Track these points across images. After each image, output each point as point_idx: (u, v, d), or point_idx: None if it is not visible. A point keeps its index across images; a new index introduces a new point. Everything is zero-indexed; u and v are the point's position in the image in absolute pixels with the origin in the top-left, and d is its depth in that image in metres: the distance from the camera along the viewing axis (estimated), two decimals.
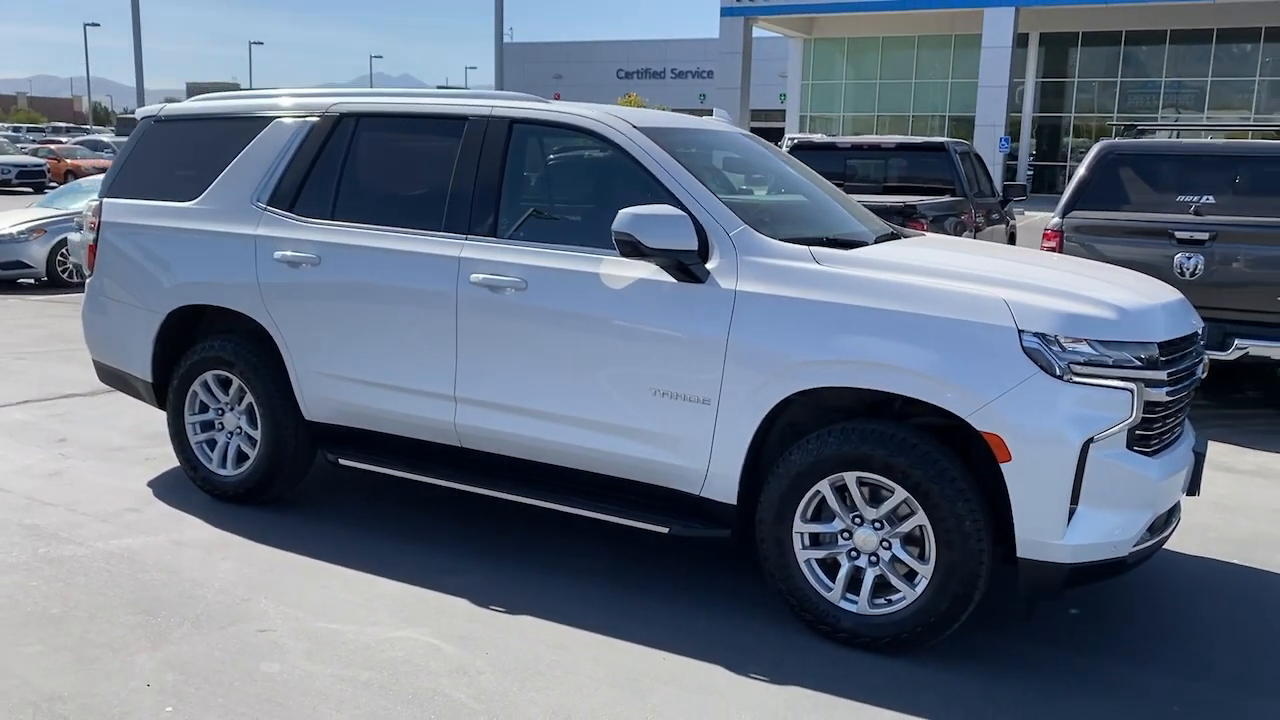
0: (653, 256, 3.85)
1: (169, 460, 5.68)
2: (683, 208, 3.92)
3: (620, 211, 3.84)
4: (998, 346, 3.44)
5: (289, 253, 4.71)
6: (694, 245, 3.83)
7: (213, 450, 5.12)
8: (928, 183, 9.89)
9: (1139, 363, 3.45)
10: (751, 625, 3.91)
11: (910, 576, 3.64)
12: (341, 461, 4.72)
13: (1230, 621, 4.06)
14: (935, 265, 3.81)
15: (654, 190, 4.07)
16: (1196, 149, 7.61)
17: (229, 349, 4.95)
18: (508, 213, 4.38)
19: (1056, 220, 7.34)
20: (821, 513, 3.77)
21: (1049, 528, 3.41)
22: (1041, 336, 3.41)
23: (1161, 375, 3.49)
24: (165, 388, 5.23)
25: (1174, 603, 4.26)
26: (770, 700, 3.37)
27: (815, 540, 3.79)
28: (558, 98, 6.20)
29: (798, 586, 3.78)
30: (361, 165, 4.80)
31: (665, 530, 4.02)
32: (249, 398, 4.93)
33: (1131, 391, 3.39)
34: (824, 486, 3.71)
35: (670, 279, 3.91)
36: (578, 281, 4.10)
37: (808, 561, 3.78)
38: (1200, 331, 4.00)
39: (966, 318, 3.49)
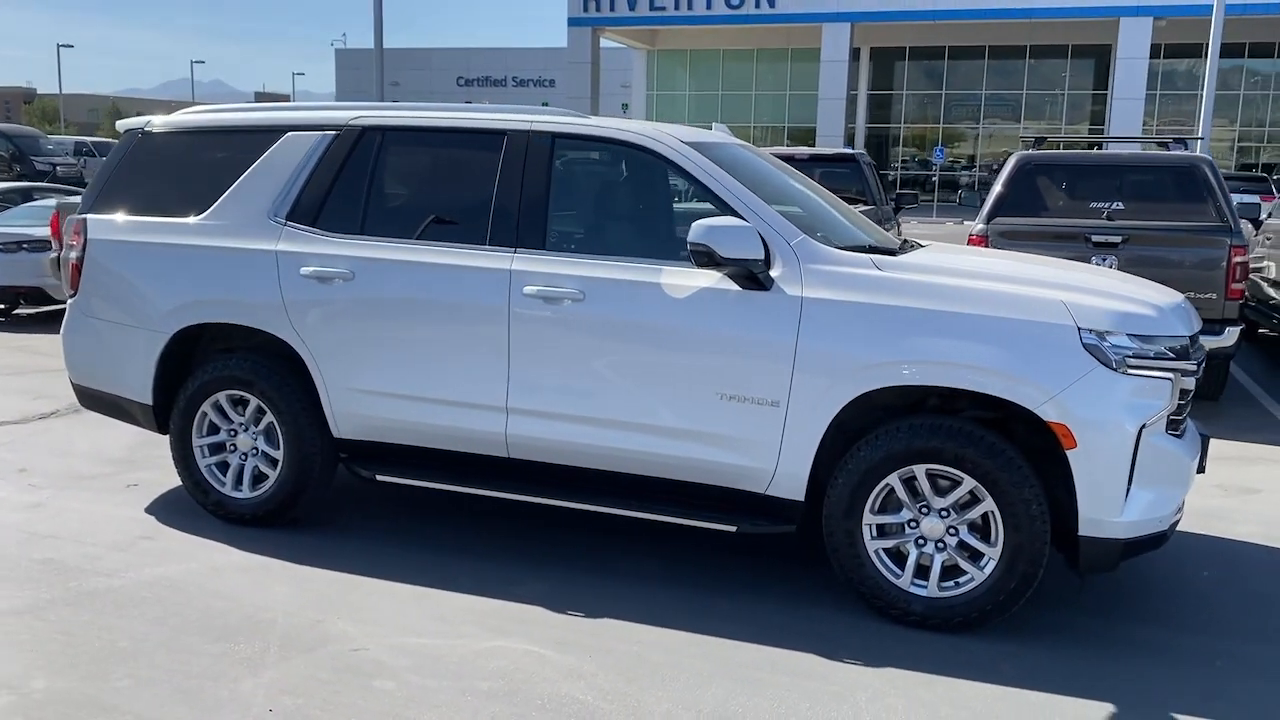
0: (726, 266, 4.02)
1: (154, 486, 5.50)
2: (744, 219, 4.10)
3: (694, 223, 4.00)
4: (1061, 344, 3.77)
5: (317, 268, 4.64)
6: (762, 255, 4.02)
7: (225, 473, 4.97)
8: (841, 193, 10.32)
9: (1174, 355, 3.84)
10: (820, 614, 4.12)
11: (975, 559, 3.93)
12: (379, 478, 4.68)
13: (1218, 583, 4.53)
14: (985, 270, 4.13)
15: (710, 203, 4.25)
16: (1106, 159, 8.32)
17: (246, 367, 4.82)
18: (555, 226, 4.47)
19: (981, 226, 7.87)
20: (888, 505, 4.02)
21: (1109, 507, 3.76)
22: (1097, 333, 3.76)
23: (1191, 365, 3.90)
24: (165, 411, 5.04)
25: (1167, 570, 4.70)
26: (873, 681, 3.60)
27: (882, 531, 4.04)
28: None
29: (869, 576, 4.02)
30: (391, 180, 4.79)
31: (733, 529, 4.20)
32: (269, 417, 4.82)
33: (1171, 381, 3.79)
34: (894, 480, 3.96)
35: (735, 287, 4.09)
36: (639, 291, 4.22)
37: (876, 551, 4.03)
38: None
39: (1031, 318, 3.81)
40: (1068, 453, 3.76)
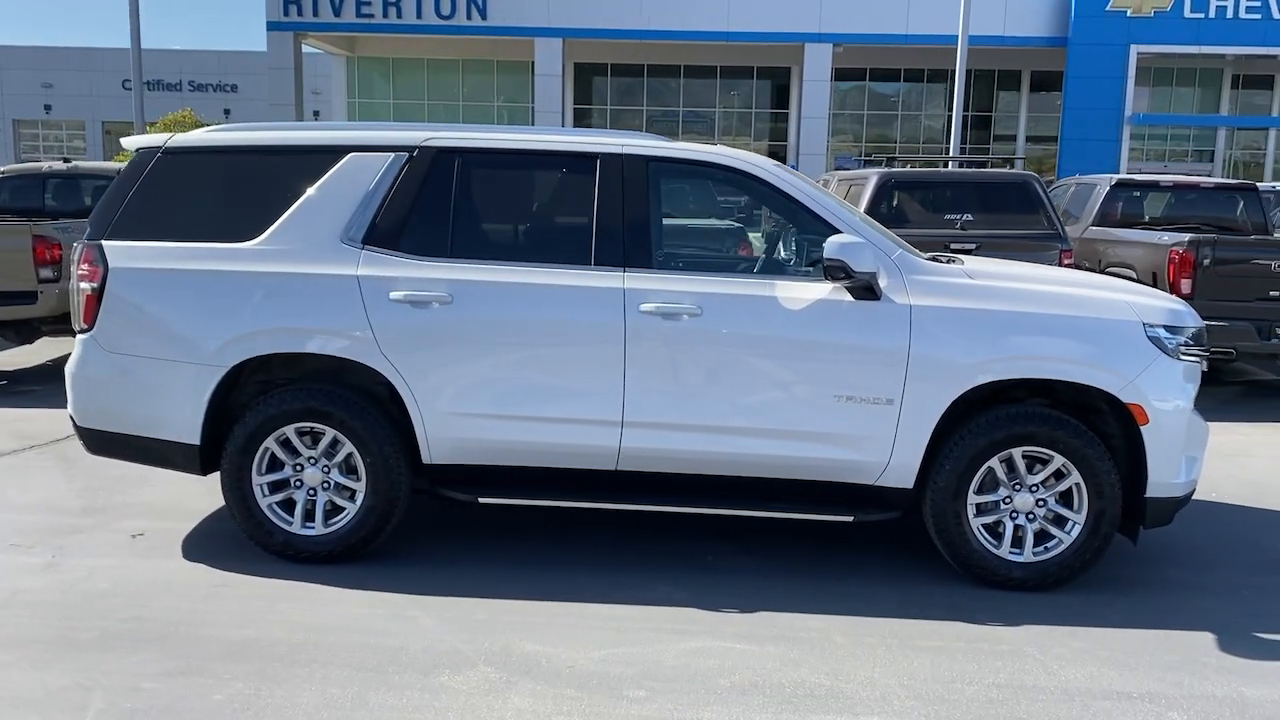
0: (856, 279, 4.42)
1: (164, 533, 5.13)
2: (858, 237, 4.53)
3: (829, 241, 4.38)
4: (1131, 337, 4.50)
5: (410, 292, 4.54)
6: (877, 268, 4.46)
7: (289, 511, 4.72)
8: None
9: (1199, 344, 4.69)
10: (931, 588, 4.62)
11: (1061, 525, 4.58)
12: (482, 500, 4.66)
13: (1211, 538, 5.49)
14: (1044, 276, 4.81)
15: (813, 223, 4.64)
16: (956, 177, 9.43)
17: (322, 398, 4.62)
18: (660, 245, 4.67)
19: None
20: (985, 485, 4.59)
21: (1172, 472, 4.54)
22: (1155, 327, 4.53)
23: (1206, 352, 4.76)
24: (214, 450, 4.72)
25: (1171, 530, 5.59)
26: (1028, 637, 4.14)
27: (980, 509, 4.60)
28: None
29: (974, 550, 4.57)
30: (475, 202, 4.77)
31: (850, 519, 4.61)
32: (347, 448, 4.64)
33: (1201, 365, 4.63)
34: (994, 462, 4.54)
35: (849, 298, 4.50)
36: (756, 305, 4.53)
37: (978, 528, 4.59)
38: None
39: (1106, 316, 4.52)
40: (1142, 428, 4.49)
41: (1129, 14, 31.01)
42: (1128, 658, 3.98)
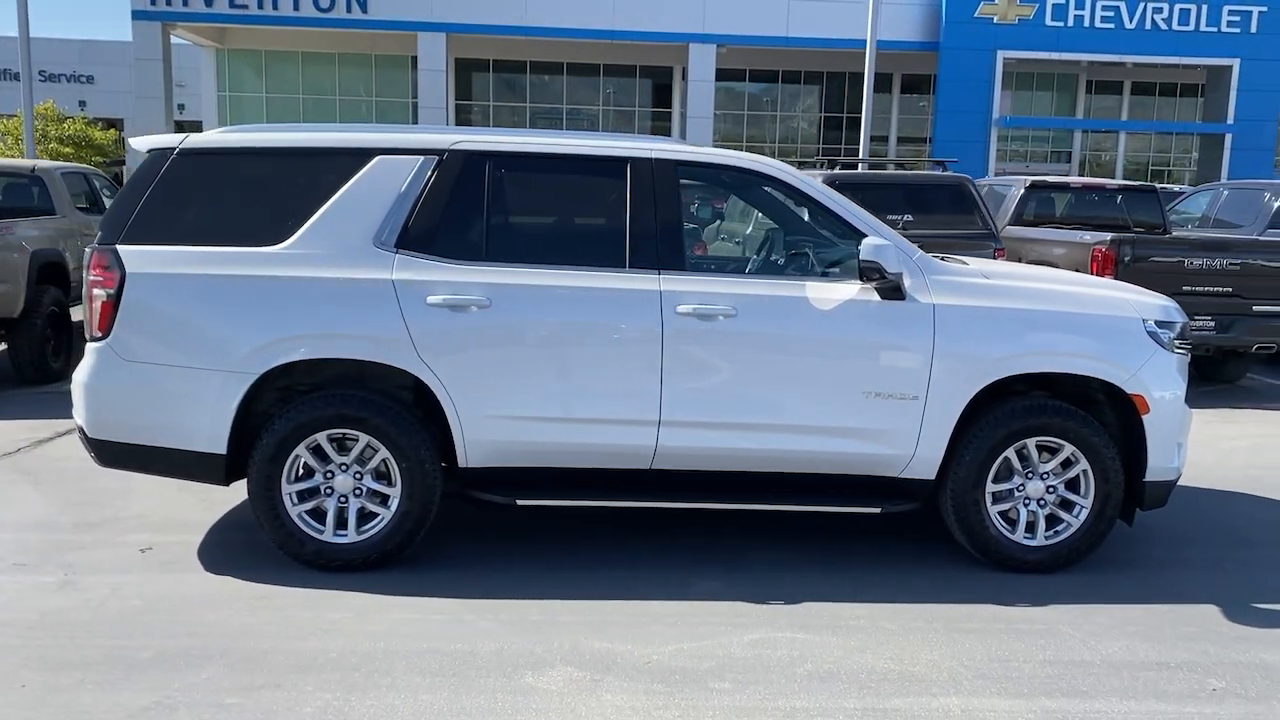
0: (887, 280, 4.61)
1: (173, 546, 4.97)
2: (883, 239, 4.72)
3: (864, 244, 4.56)
4: (1133, 332, 4.82)
5: (448, 296, 4.53)
6: (902, 269, 4.67)
7: (320, 519, 4.64)
8: None
9: (1184, 337, 5.05)
10: (955, 573, 4.85)
11: (1068, 509, 4.88)
12: (520, 501, 4.68)
13: (1187, 519, 5.88)
14: (1050, 276, 5.10)
15: (836, 225, 4.81)
16: (898, 179, 9.77)
17: (356, 403, 4.56)
18: (692, 248, 4.77)
19: None
20: (1000, 474, 4.85)
21: (1168, 457, 4.88)
22: (1152, 323, 4.86)
23: (1190, 346, 5.13)
24: (239, 460, 4.60)
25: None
26: (1059, 616, 4.40)
27: (996, 497, 4.85)
28: None
29: (992, 537, 4.83)
30: (508, 205, 4.78)
31: (878, 510, 4.81)
32: (382, 454, 4.59)
33: (1188, 358, 5.00)
34: (1011, 453, 4.80)
35: (876, 298, 4.69)
36: (789, 305, 4.67)
37: (995, 514, 4.84)
38: None
39: (1111, 313, 4.83)
40: (1143, 417, 4.81)
41: (995, 21, 32.47)
42: (1152, 631, 4.28)
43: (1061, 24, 32.56)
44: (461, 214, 4.67)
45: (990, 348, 4.71)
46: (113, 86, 45.44)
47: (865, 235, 4.72)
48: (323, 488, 4.64)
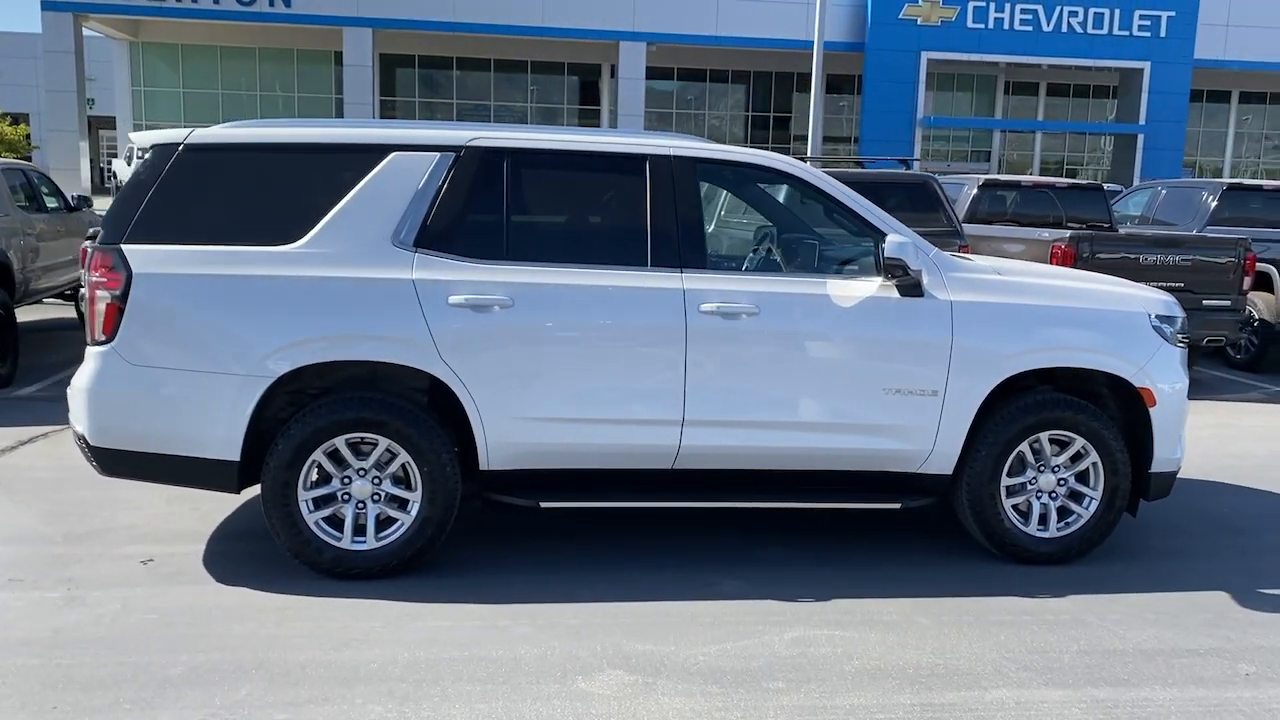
0: (910, 277, 4.64)
1: (175, 558, 4.79)
2: (902, 237, 4.75)
3: (888, 241, 4.58)
4: (1139, 328, 4.93)
5: (470, 295, 4.43)
6: (921, 266, 4.71)
7: (336, 526, 4.51)
8: None
9: (1184, 332, 5.19)
10: (975, 566, 4.91)
11: (1078, 501, 4.97)
12: (543, 505, 4.61)
13: (1181, 508, 6.04)
14: (1057, 273, 5.19)
15: (854, 222, 4.83)
16: (867, 177, 9.87)
17: (375, 406, 4.44)
18: (713, 246, 4.74)
19: None
20: (1014, 468, 4.92)
21: (1173, 448, 5.01)
22: (1157, 318, 4.98)
23: (1189, 340, 5.28)
24: (253, 467, 4.45)
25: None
26: (1084, 605, 4.48)
27: (1010, 490, 4.93)
28: None
29: (1006, 530, 4.90)
30: (527, 203, 4.69)
31: (898, 506, 4.85)
32: (402, 457, 4.48)
33: (1187, 351, 5.14)
34: (1025, 447, 4.88)
35: (895, 295, 4.72)
36: (810, 303, 4.68)
37: (1009, 508, 4.91)
38: None
39: (1120, 309, 4.94)
40: (1150, 410, 4.93)
41: (919, 23, 33.09)
42: (1172, 619, 4.39)
43: (982, 26, 33.33)
44: (480, 212, 4.58)
45: (1006, 344, 4.78)
46: (19, 80, 43.83)
47: (882, 232, 4.75)
48: (340, 494, 4.51)
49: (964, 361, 4.73)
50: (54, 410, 7.45)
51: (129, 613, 4.16)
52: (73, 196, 11.28)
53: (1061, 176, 37.08)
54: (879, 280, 4.71)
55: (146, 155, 4.49)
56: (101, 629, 4.01)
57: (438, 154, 4.57)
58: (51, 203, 10.66)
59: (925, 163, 37.26)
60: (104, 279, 4.33)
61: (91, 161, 36.89)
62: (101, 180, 37.94)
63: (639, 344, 4.58)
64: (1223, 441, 7.65)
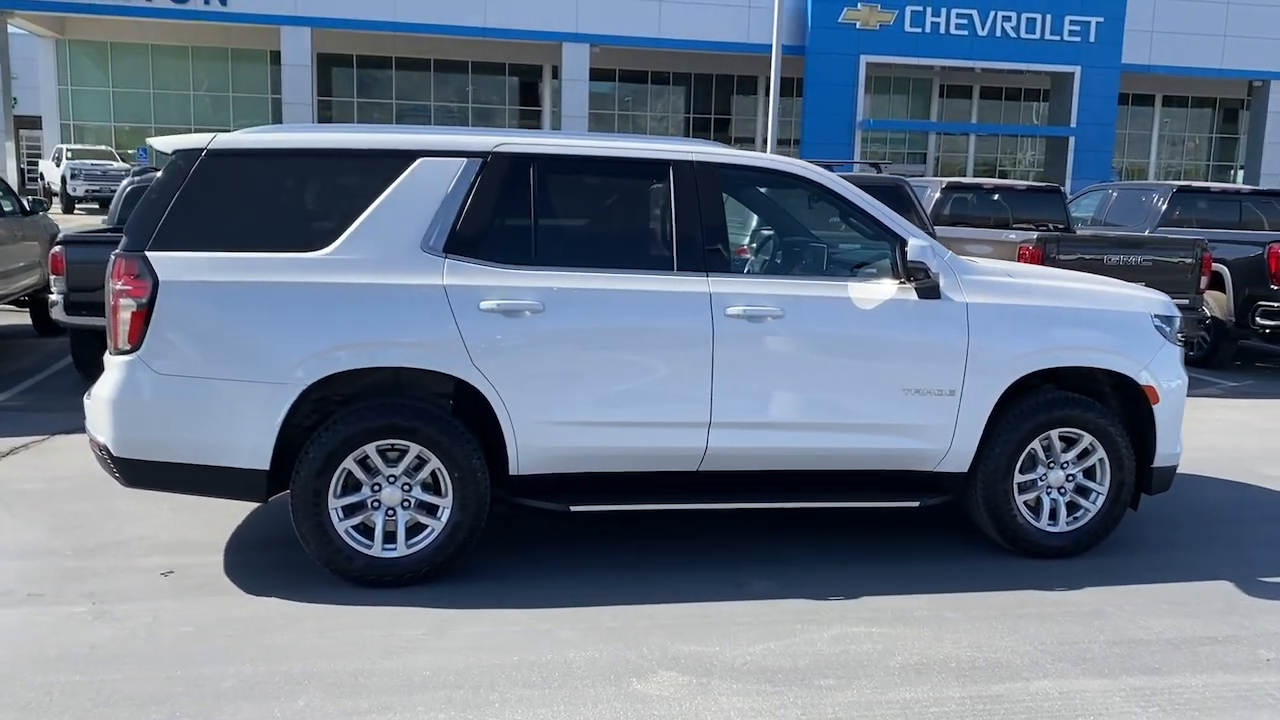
0: (930, 279, 4.75)
1: (195, 569, 4.72)
2: (920, 240, 4.86)
3: (911, 245, 4.68)
4: (1142, 327, 5.10)
5: (501, 301, 4.44)
6: (939, 268, 4.82)
7: (368, 535, 4.48)
8: None
9: (1182, 331, 5.38)
10: (978, 562, 5.04)
11: (1085, 496, 5.13)
12: (574, 508, 4.63)
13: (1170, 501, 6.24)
14: (1062, 275, 5.35)
15: (872, 226, 4.92)
16: None
17: (406, 413, 4.43)
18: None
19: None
20: (1025, 465, 5.05)
21: (1173, 443, 5.19)
22: (1158, 318, 5.16)
23: (1185, 339, 5.47)
24: (282, 475, 4.41)
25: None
26: (1100, 598, 4.62)
27: (1021, 487, 5.06)
28: None
29: (1019, 525, 5.03)
30: (554, 208, 4.71)
31: (916, 504, 4.96)
32: (433, 463, 4.47)
33: (1182, 349, 5.33)
34: (1036, 445, 5.02)
35: (914, 297, 4.83)
36: (833, 305, 4.76)
37: (1021, 504, 5.05)
38: None
39: (1124, 309, 5.11)
40: (1154, 406, 5.10)
41: (858, 26, 33.58)
42: (1187, 608, 4.55)
43: (920, 30, 33.93)
44: (508, 217, 4.59)
45: (1020, 344, 4.91)
46: None
47: (899, 235, 4.85)
48: (369, 501, 4.48)
49: (980, 361, 4.85)
50: (30, 421, 7.30)
51: (162, 626, 4.09)
52: (29, 200, 10.97)
53: (992, 178, 37.93)
54: (896, 283, 4.81)
55: (168, 160, 4.42)
56: (138, 643, 3.94)
57: (464, 159, 4.56)
58: (7, 205, 10.36)
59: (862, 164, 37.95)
60: (129, 287, 4.25)
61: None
62: (23, 181, 36.75)
63: (667, 347, 4.62)
64: (1189, 435, 7.83)
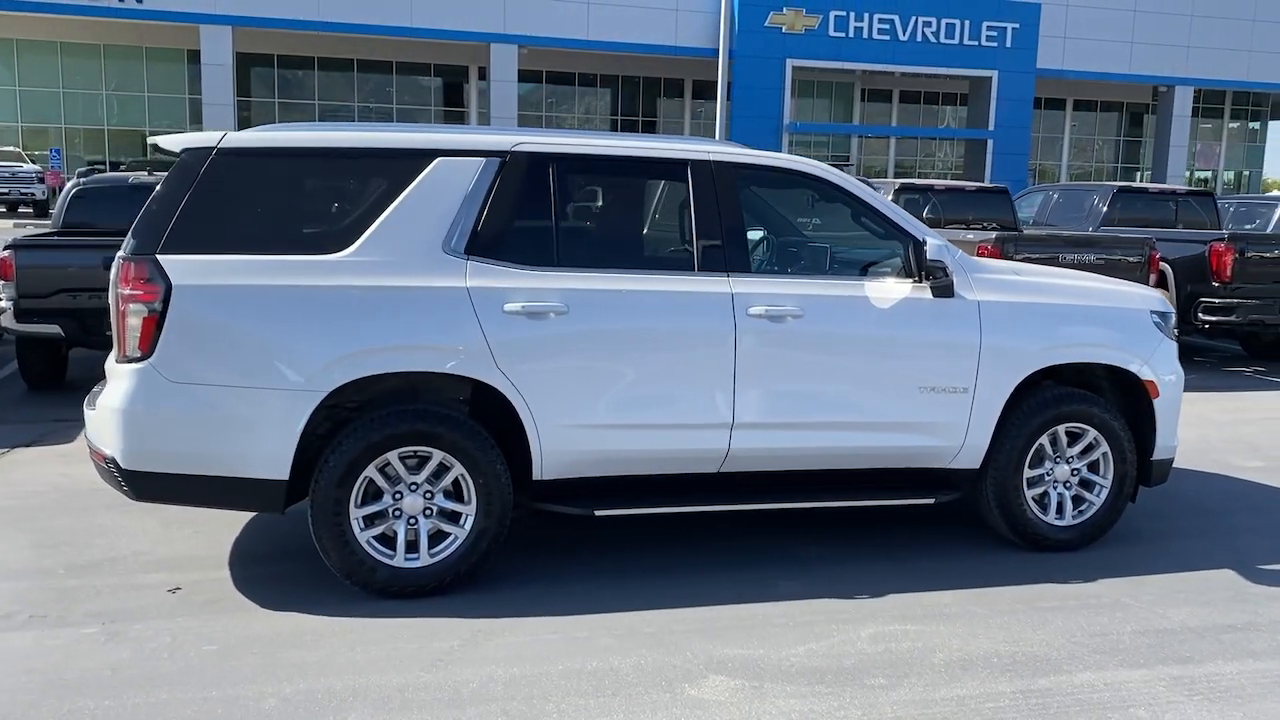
0: (946, 278, 4.78)
1: (204, 586, 4.55)
2: (935, 240, 4.90)
3: (930, 245, 4.71)
4: (1142, 324, 5.22)
5: (526, 303, 4.35)
6: (953, 267, 4.87)
7: (390, 544, 4.35)
8: None
9: (1176, 327, 5.51)
10: (995, 554, 5.09)
11: (1089, 489, 5.22)
12: (598, 512, 4.56)
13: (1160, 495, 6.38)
14: (1064, 273, 5.43)
15: (886, 227, 4.95)
16: None
17: (430, 419, 4.31)
18: (755, 250, 4.79)
19: None
20: (1033, 460, 5.12)
21: (1171, 436, 5.31)
22: (1156, 314, 5.28)
23: (1179, 334, 5.61)
24: (298, 486, 4.26)
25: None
26: (1108, 590, 4.70)
27: (1029, 482, 5.14)
28: None
29: (1029, 520, 5.10)
30: (574, 209, 4.64)
31: (931, 501, 4.99)
32: (456, 470, 4.36)
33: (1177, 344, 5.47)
34: (1044, 439, 5.10)
35: (929, 296, 4.86)
36: (852, 305, 4.78)
37: (1030, 499, 5.12)
38: None
39: (1125, 306, 5.21)
40: (1154, 401, 5.22)
41: (784, 30, 33.92)
42: (1199, 597, 4.66)
43: (844, 35, 34.41)
44: (529, 218, 4.50)
45: (1030, 341, 4.98)
46: None
47: (913, 235, 4.88)
48: (391, 510, 4.35)
49: (992, 359, 4.91)
50: None
51: (183, 645, 3.91)
52: None
53: (937, 179, 38.65)
54: (911, 282, 4.84)
55: (176, 159, 4.24)
56: (163, 664, 3.76)
57: (483, 159, 4.46)
58: None
59: None
60: (139, 292, 4.06)
61: None
62: None
63: (691, 348, 4.58)
64: None
